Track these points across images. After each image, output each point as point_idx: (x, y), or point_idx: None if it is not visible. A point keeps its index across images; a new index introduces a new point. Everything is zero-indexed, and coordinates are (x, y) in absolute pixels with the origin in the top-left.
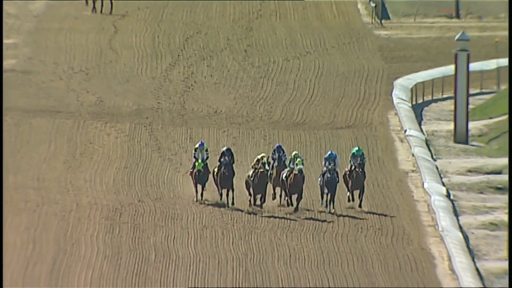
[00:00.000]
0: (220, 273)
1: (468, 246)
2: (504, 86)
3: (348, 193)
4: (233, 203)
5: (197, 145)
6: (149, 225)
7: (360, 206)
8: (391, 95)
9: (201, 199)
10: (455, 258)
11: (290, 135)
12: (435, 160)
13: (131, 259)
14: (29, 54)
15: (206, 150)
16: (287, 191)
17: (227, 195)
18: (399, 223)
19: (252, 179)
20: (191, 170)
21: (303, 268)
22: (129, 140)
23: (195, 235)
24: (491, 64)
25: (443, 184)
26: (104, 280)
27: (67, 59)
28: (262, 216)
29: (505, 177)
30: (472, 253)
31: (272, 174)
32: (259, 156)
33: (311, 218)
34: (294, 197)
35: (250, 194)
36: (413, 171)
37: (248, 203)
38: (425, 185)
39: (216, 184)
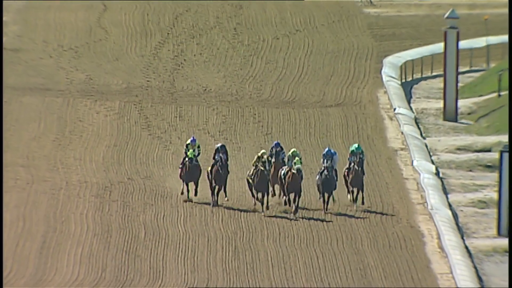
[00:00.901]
0: (209, 251)
1: (457, 224)
2: (494, 64)
3: (349, 195)
4: (226, 197)
5: (188, 141)
6: (138, 203)
7: (362, 203)
8: (380, 73)
9: (194, 195)
10: (444, 236)
11: (279, 113)
12: (424, 138)
13: (121, 237)
14: (18, 32)
15: (198, 147)
16: (285, 189)
17: (219, 192)
18: (388, 201)
19: (252, 178)
20: (181, 166)
21: (292, 246)
22: (119, 118)
23: (185, 213)
24: (481, 41)
25: (432, 162)
26: (94, 258)
27: (56, 37)
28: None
29: (494, 155)
30: (461, 231)
31: (270, 171)
32: (259, 153)
33: (301, 198)
34: (292, 195)
35: (252, 195)
36: (402, 149)
37: (253, 202)
38: (414, 163)
39: (210, 184)
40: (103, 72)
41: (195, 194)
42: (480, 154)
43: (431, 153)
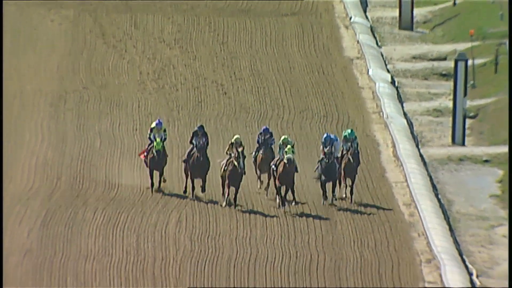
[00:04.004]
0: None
1: (412, 133)
2: None
3: (340, 185)
4: (203, 190)
5: (153, 124)
6: (93, 112)
7: (351, 195)
8: None
9: (158, 187)
10: (399, 145)
11: (235, 22)
12: (380, 47)
13: (76, 146)
14: None
15: (164, 130)
16: (276, 182)
17: (193, 186)
18: (344, 110)
19: (225, 169)
20: (145, 154)
21: (248, 154)
22: (73, 27)
23: (140, 122)
24: None
25: (388, 71)
26: (49, 167)
27: None
28: (208, 104)
29: (449, 64)
30: (416, 140)
31: (257, 159)
32: (232, 139)
33: (257, 107)
34: (284, 188)
35: (223, 187)
36: (358, 58)
37: (222, 198)
38: (370, 72)
39: (186, 173)
40: None
41: (159, 186)
42: (436, 63)
43: (386, 62)
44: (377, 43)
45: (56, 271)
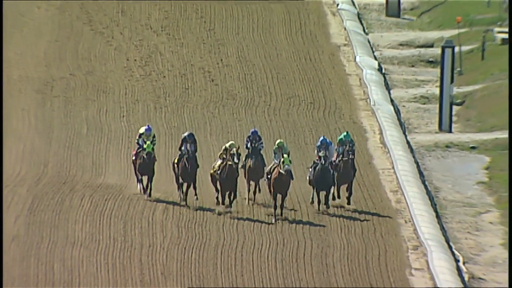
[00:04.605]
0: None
1: (399, 120)
2: None
3: (333, 189)
4: (197, 199)
5: (142, 130)
6: (80, 99)
7: (348, 203)
8: None
9: (149, 194)
10: (386, 132)
11: (222, 8)
12: (367, 34)
13: (63, 132)
14: None
15: (153, 137)
16: (271, 189)
17: (187, 190)
18: (331, 97)
19: (219, 172)
20: (134, 158)
21: (235, 140)
22: (60, 13)
23: (127, 109)
24: None
25: (375, 58)
26: (36, 154)
27: None
28: (195, 90)
29: (436, 51)
30: (403, 127)
31: (246, 165)
32: (227, 145)
33: (244, 94)
34: (279, 196)
35: (217, 191)
36: (345, 45)
37: (216, 201)
38: (357, 59)
39: (176, 178)
40: None
41: (149, 192)
42: (423, 50)
43: (373, 49)
44: (364, 30)
45: (43, 257)
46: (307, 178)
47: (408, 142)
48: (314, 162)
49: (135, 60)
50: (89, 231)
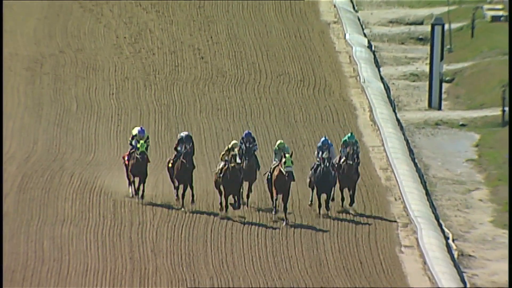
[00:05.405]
0: (142, 124)
1: (389, 97)
2: None
3: (333, 191)
4: (193, 201)
5: (135, 131)
6: (70, 76)
7: (351, 204)
8: None
9: (141, 196)
10: (376, 109)
11: None
12: (356, 11)
13: (53, 110)
14: None
15: (147, 138)
16: (272, 189)
17: (184, 192)
18: (321, 74)
19: (221, 176)
20: (126, 159)
21: (225, 119)
22: None
23: (117, 86)
24: None
25: (365, 35)
26: (25, 131)
27: None
28: (185, 68)
29: (426, 28)
30: (393, 104)
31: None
32: (229, 145)
33: (233, 72)
34: (280, 196)
35: (220, 194)
36: (335, 22)
37: (219, 206)
38: (347, 36)
39: (171, 179)
40: None
41: (142, 194)
42: (412, 27)
43: (363, 26)
44: (353, 7)
45: (33, 235)
46: (307, 179)
47: (398, 120)
48: (316, 164)
49: (125, 37)
50: (78, 208)
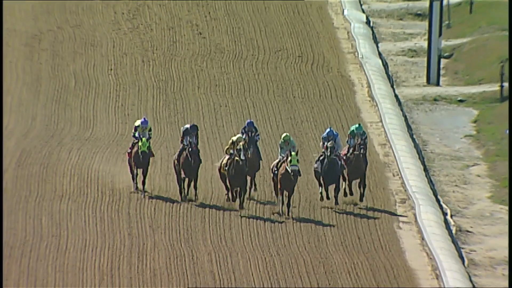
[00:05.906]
0: (140, 101)
1: (387, 73)
2: None
3: (345, 184)
4: (196, 197)
5: (138, 122)
6: (68, 52)
7: (361, 199)
8: None
9: (142, 189)
10: (374, 85)
11: None
12: None
13: (51, 86)
14: None
15: (150, 130)
16: (277, 185)
17: (189, 185)
18: (319, 50)
19: (227, 169)
20: (129, 151)
21: (223, 95)
22: None
23: (115, 62)
24: None
25: (363, 11)
26: (24, 107)
27: None
28: (183, 44)
29: (424, 4)
30: (391, 80)
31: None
32: (234, 138)
33: (232, 47)
34: (285, 193)
35: (227, 188)
36: None
37: (226, 197)
38: (345, 12)
39: (176, 172)
40: None
41: (143, 186)
42: (411, 3)
43: (361, 2)
44: None
45: (31, 211)
46: (313, 170)
47: (396, 96)
48: (321, 155)
49: (123, 13)
50: (77, 184)
